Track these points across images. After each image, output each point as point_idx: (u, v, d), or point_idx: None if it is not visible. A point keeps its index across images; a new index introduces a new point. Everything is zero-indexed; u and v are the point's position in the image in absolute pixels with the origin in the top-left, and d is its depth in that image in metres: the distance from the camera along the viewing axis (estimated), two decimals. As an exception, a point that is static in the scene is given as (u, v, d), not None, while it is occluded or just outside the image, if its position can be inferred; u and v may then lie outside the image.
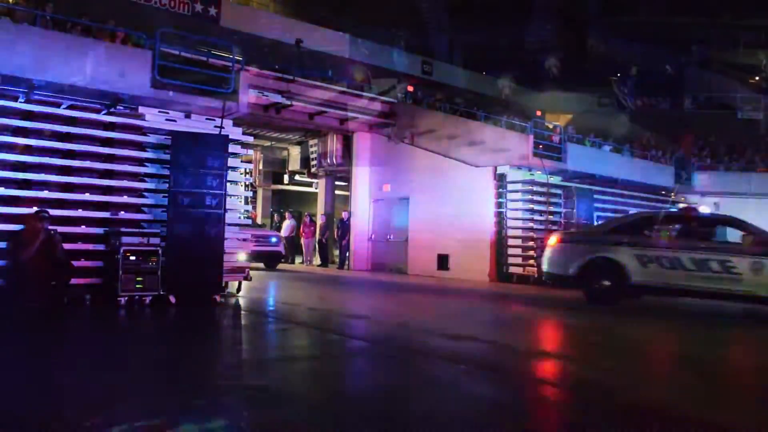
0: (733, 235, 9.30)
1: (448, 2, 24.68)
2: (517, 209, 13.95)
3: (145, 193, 8.66)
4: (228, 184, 8.47)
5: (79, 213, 8.21)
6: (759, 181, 19.77)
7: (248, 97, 10.43)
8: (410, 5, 23.45)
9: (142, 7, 16.91)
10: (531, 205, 13.99)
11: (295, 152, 21.10)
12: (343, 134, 17.61)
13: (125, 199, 8.55)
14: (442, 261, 14.78)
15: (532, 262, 13.49)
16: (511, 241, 13.88)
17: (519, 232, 13.89)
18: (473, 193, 14.25)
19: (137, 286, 7.66)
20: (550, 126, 16.03)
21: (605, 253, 9.34)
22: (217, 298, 8.34)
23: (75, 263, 7.70)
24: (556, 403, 4.13)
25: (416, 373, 4.82)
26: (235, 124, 9.42)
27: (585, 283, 9.51)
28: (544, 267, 10.21)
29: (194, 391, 3.90)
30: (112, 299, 7.57)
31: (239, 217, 10.16)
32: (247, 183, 15.18)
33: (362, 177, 17.12)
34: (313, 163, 19.57)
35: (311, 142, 19.56)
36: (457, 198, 14.48)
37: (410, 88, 18.41)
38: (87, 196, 8.29)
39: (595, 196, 15.05)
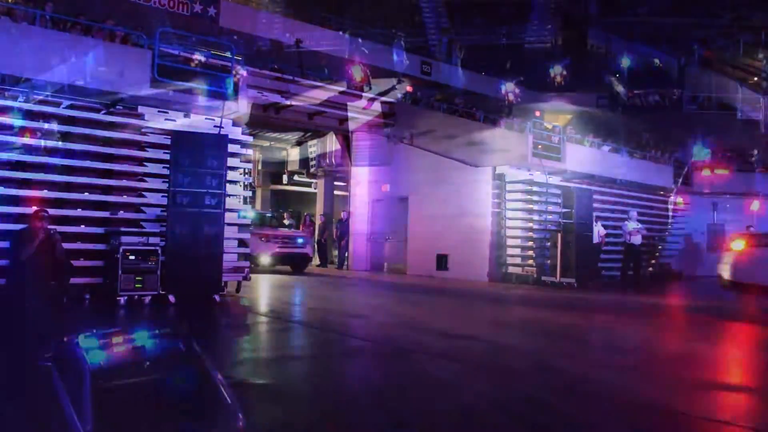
0: None
1: (448, 2, 24.66)
2: (516, 209, 13.96)
3: (145, 193, 8.67)
4: (227, 183, 8.48)
5: (79, 212, 8.22)
6: (760, 181, 19.72)
7: (247, 97, 10.42)
8: (410, 5, 23.42)
9: (142, 7, 16.90)
10: (530, 206, 14.00)
11: (294, 152, 21.08)
12: (342, 134, 17.60)
13: (125, 198, 8.56)
14: (441, 261, 14.76)
15: (531, 262, 13.47)
16: (510, 241, 13.88)
17: (518, 232, 13.90)
18: (472, 193, 14.25)
19: (137, 285, 7.68)
20: (549, 126, 16.02)
21: None
22: (217, 297, 8.34)
23: (75, 263, 7.68)
24: (557, 403, 4.15)
25: (415, 372, 4.83)
26: (235, 124, 9.43)
27: None
28: (726, 275, 8.86)
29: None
30: (112, 298, 7.58)
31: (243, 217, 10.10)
32: (246, 183, 15.18)
33: (361, 177, 17.11)
34: (312, 163, 19.55)
35: (310, 142, 19.54)
36: (456, 198, 14.47)
37: (409, 89, 18.40)
38: (87, 196, 8.30)
39: (594, 196, 15.02)
